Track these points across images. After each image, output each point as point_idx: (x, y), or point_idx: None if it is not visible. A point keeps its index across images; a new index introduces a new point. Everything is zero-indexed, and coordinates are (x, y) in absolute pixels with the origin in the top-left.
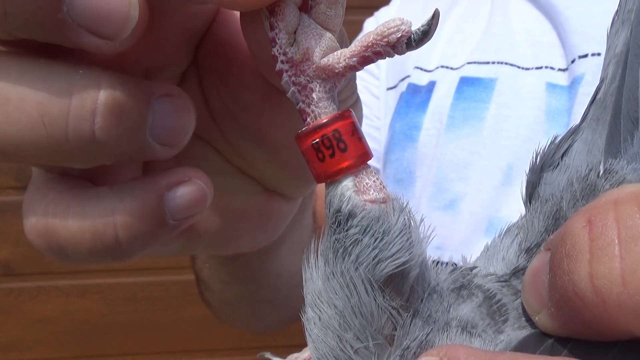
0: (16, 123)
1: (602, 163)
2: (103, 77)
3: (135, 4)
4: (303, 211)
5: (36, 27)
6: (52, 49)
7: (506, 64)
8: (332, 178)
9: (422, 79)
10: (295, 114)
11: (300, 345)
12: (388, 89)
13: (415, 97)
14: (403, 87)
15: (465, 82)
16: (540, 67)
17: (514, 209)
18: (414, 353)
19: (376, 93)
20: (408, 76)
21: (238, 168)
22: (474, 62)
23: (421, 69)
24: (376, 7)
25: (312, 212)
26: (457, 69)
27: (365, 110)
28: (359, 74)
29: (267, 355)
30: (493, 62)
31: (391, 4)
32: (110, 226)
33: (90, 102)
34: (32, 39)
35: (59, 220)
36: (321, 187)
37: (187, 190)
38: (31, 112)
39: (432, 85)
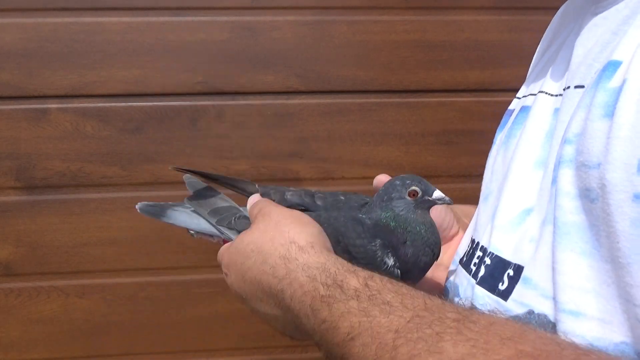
0: None
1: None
2: None
3: None
4: None
5: None
6: None
7: (542, 92)
8: None
9: (512, 105)
10: None
11: (302, 345)
12: None
13: (504, 119)
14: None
15: (521, 110)
16: (559, 95)
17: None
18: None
19: None
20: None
21: None
22: (530, 94)
23: (516, 97)
24: (378, 8)
25: None
26: (520, 98)
27: None
28: None
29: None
30: (535, 93)
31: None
32: None
33: None
34: None
35: None
36: None
37: None
38: None
39: (510, 112)
